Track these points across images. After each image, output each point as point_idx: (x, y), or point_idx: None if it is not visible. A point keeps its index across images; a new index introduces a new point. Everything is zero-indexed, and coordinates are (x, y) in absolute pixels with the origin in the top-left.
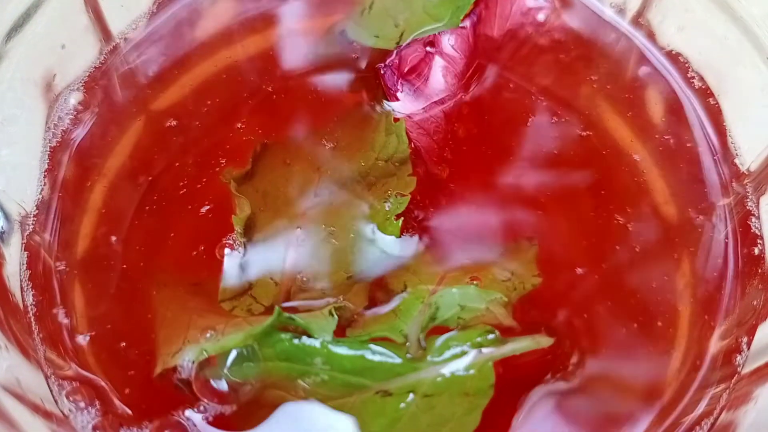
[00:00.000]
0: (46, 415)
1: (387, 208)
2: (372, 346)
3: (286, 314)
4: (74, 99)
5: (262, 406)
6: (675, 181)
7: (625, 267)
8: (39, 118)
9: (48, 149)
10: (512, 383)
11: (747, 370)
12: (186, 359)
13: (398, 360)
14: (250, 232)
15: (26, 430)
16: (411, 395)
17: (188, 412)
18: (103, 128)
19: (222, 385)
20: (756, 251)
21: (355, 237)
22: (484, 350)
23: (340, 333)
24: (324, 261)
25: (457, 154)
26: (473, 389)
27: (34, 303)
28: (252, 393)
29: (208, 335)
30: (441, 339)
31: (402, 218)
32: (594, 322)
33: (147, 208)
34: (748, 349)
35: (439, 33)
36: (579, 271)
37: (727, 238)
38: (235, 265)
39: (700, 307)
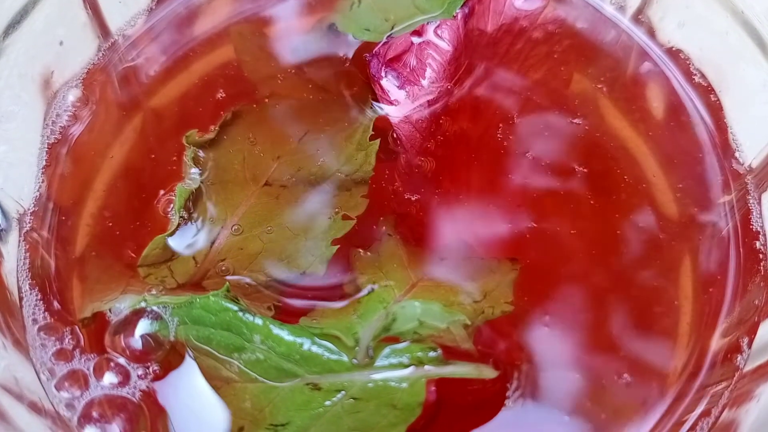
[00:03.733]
0: (44, 413)
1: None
2: (317, 339)
3: (233, 293)
4: (72, 96)
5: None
6: (676, 178)
7: (625, 264)
8: (37, 115)
9: (46, 146)
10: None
11: (749, 368)
12: (122, 305)
13: (340, 357)
14: (191, 201)
15: (24, 429)
16: (339, 395)
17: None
18: (101, 125)
19: (137, 343)
20: (757, 248)
21: (288, 242)
22: (423, 367)
23: (293, 319)
24: (249, 257)
25: (445, 148)
26: (402, 403)
27: (32, 301)
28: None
29: (151, 292)
30: (388, 349)
31: (338, 245)
32: (593, 316)
33: (146, 205)
34: (750, 347)
35: (426, 22)
36: (575, 263)
37: (728, 235)
38: (166, 233)
39: (701, 305)
